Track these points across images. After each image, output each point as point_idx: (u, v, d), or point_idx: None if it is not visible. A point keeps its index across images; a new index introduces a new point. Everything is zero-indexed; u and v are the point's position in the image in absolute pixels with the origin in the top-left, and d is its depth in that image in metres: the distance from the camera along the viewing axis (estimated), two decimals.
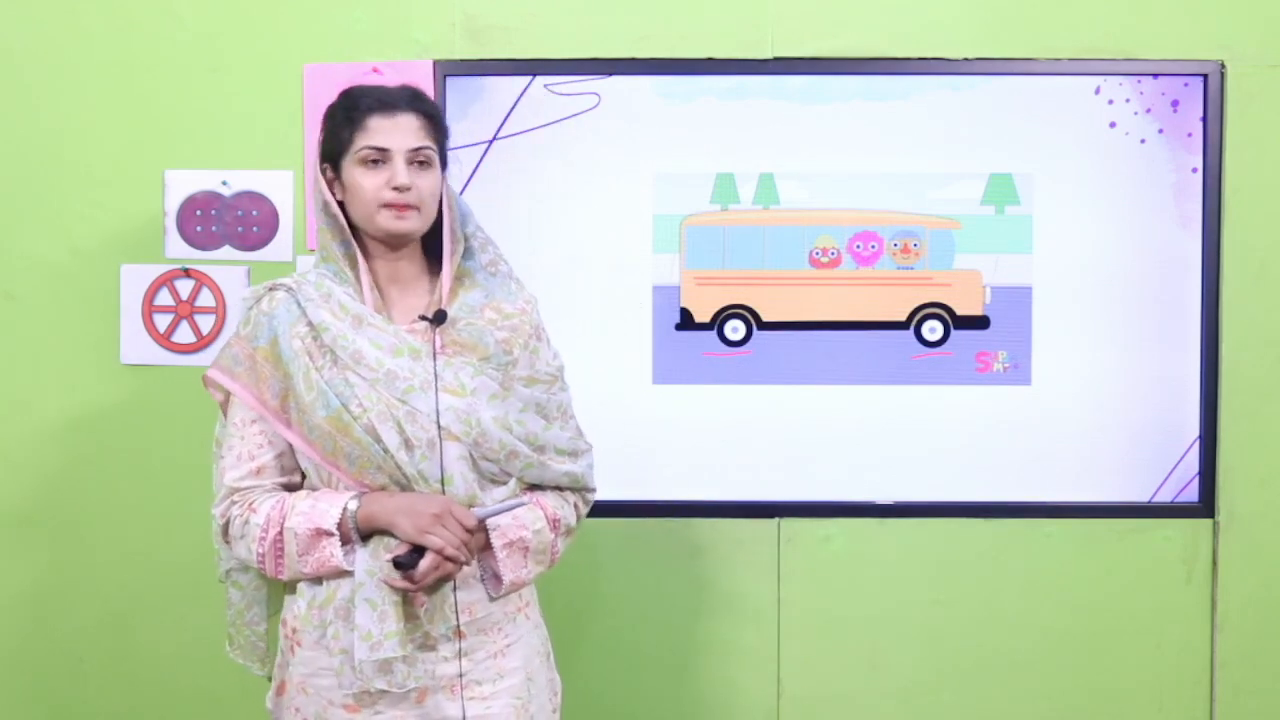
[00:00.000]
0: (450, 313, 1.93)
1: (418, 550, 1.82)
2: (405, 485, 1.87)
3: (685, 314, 2.66)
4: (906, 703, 2.70)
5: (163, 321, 2.65)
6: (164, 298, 2.65)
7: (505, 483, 1.95)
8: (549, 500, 1.99)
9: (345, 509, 1.84)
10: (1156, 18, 2.61)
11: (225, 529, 1.92)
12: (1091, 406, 2.65)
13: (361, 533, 1.85)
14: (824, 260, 2.65)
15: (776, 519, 2.68)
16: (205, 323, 2.65)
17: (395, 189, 1.88)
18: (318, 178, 1.94)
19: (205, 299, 2.65)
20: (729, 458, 2.67)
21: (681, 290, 2.66)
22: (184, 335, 2.65)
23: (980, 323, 2.65)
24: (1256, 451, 2.64)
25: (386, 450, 1.85)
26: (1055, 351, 2.65)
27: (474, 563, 1.90)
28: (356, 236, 1.95)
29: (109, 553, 2.67)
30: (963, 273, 2.65)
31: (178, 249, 2.65)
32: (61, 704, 2.69)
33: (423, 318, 1.92)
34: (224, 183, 2.65)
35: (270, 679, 2.06)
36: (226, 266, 2.65)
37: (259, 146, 2.63)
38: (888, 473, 2.67)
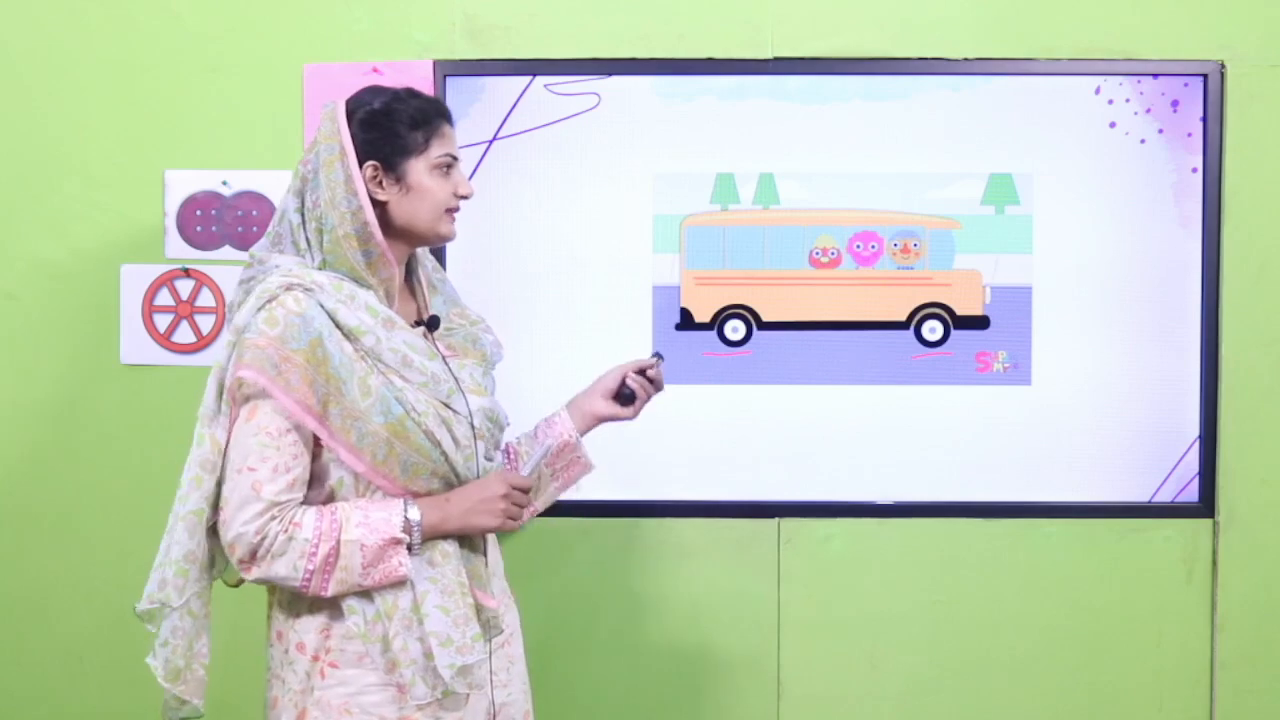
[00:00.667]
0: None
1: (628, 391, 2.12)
2: (455, 486, 1.89)
3: (685, 314, 2.66)
4: (906, 703, 2.70)
5: (163, 321, 2.65)
6: (164, 298, 2.65)
7: None
8: None
9: (407, 517, 1.82)
10: (1156, 18, 2.61)
11: (258, 547, 1.79)
12: (1091, 406, 2.65)
13: (425, 537, 1.84)
14: (824, 260, 2.65)
15: (776, 519, 2.68)
16: (205, 323, 2.65)
17: (463, 196, 1.93)
18: (351, 177, 1.84)
19: (205, 299, 2.65)
20: (729, 458, 2.66)
21: (681, 290, 2.66)
22: (184, 335, 2.65)
23: (980, 323, 2.65)
24: (1256, 451, 2.64)
25: (445, 454, 1.85)
26: (1055, 351, 2.65)
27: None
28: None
29: (109, 553, 2.67)
30: (963, 273, 2.65)
31: (178, 249, 2.65)
32: (61, 704, 2.69)
33: (418, 322, 1.95)
34: (224, 183, 2.65)
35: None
36: (226, 266, 2.65)
37: (259, 146, 2.63)
38: (888, 473, 2.67)
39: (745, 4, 2.61)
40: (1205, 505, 2.65)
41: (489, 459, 1.97)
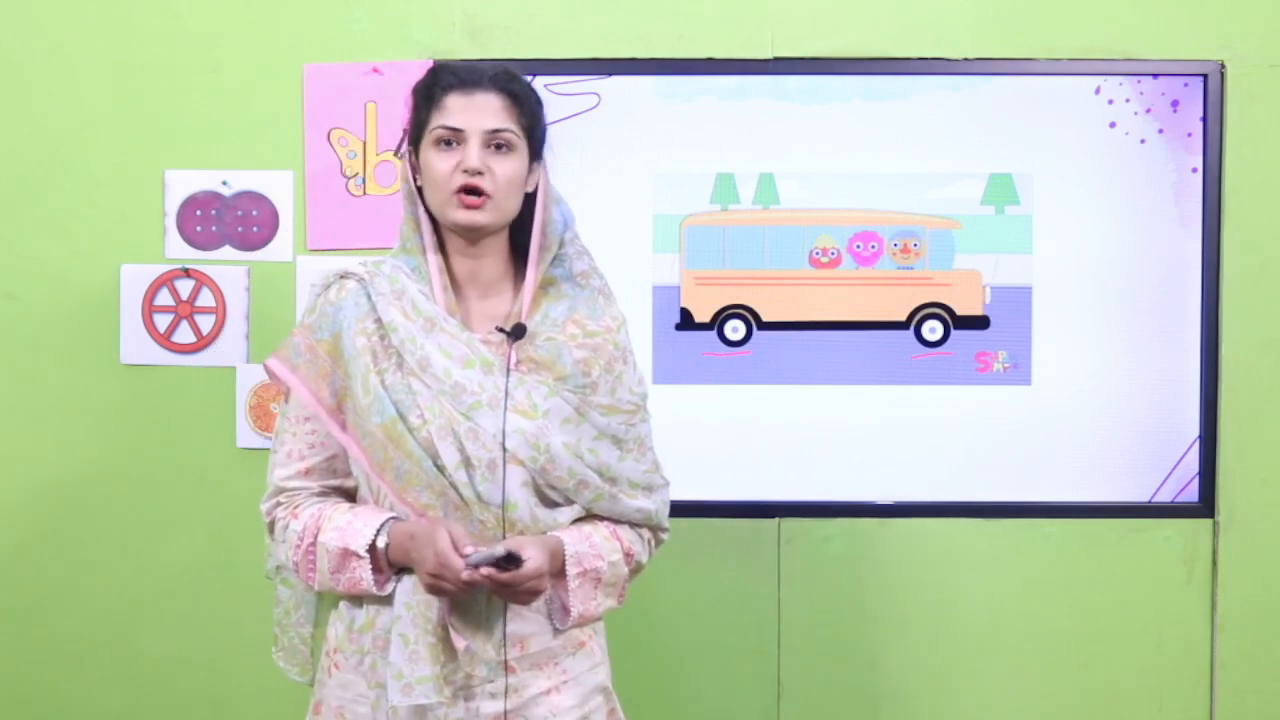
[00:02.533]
0: (530, 326, 1.77)
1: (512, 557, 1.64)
2: (459, 505, 1.72)
3: (685, 314, 2.66)
4: (906, 703, 2.69)
5: (163, 321, 2.65)
6: (164, 298, 2.65)
7: (570, 505, 1.80)
8: (625, 533, 1.85)
9: (375, 540, 1.71)
10: (1156, 18, 2.61)
11: (270, 528, 1.82)
12: (1091, 406, 2.65)
13: (395, 566, 1.73)
14: (824, 260, 2.65)
15: (776, 519, 2.68)
16: (205, 323, 2.65)
17: (466, 171, 1.72)
18: (404, 162, 1.81)
19: (205, 299, 2.65)
20: (729, 458, 2.66)
21: (681, 290, 2.66)
22: (184, 335, 2.65)
23: (980, 323, 2.65)
24: (1256, 451, 2.64)
25: (442, 468, 1.70)
26: (1055, 351, 2.65)
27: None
28: (437, 229, 1.80)
29: (109, 553, 2.67)
30: (963, 273, 2.65)
31: (178, 249, 2.65)
32: (61, 704, 2.69)
33: (500, 329, 1.77)
34: (224, 183, 2.64)
35: (311, 685, 1.92)
36: (226, 266, 2.64)
37: (259, 146, 2.63)
38: (888, 473, 2.67)
39: (745, 4, 2.61)
40: (1205, 505, 2.65)
41: (553, 488, 1.77)
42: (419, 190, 1.79)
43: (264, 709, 2.66)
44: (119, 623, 2.68)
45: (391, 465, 1.72)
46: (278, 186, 2.64)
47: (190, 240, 2.65)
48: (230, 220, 2.65)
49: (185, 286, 2.65)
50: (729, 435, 2.66)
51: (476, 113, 1.75)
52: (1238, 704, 2.67)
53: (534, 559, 1.67)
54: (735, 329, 2.66)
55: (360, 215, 2.63)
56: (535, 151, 1.82)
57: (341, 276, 1.80)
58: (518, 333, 1.76)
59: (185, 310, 2.65)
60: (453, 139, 1.75)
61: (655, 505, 1.88)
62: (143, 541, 2.67)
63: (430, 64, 2.56)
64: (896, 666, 2.69)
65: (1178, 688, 2.68)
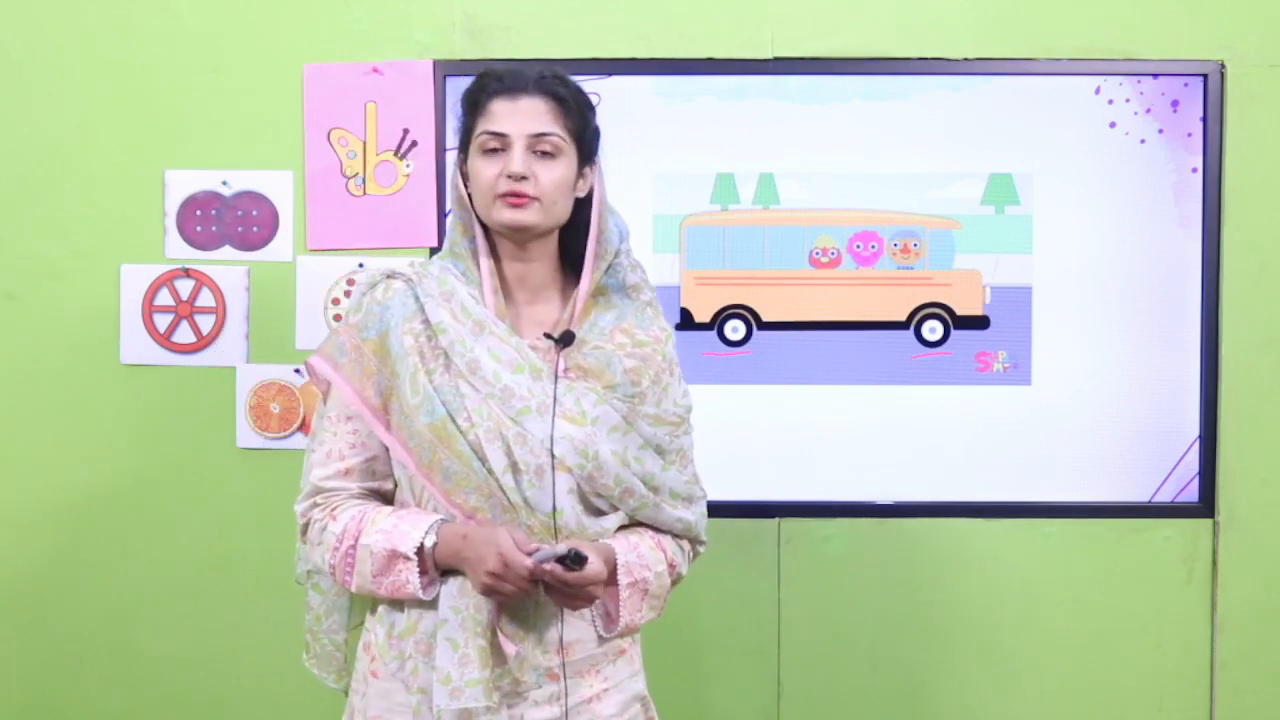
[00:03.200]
0: (579, 334, 1.77)
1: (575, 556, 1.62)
2: (507, 509, 1.70)
3: (685, 314, 2.66)
4: (906, 703, 2.69)
5: (163, 321, 2.65)
6: (164, 298, 2.65)
7: (615, 511, 1.79)
8: (669, 544, 1.83)
9: (423, 542, 1.68)
10: (1156, 18, 2.61)
11: (305, 529, 1.79)
12: (1091, 406, 2.65)
13: (441, 568, 1.70)
14: (824, 260, 2.65)
15: (776, 519, 2.68)
16: (205, 323, 2.65)
17: (509, 177, 1.72)
18: (455, 169, 1.81)
19: (205, 299, 2.65)
20: (729, 458, 2.66)
21: (681, 290, 2.66)
22: (184, 335, 2.65)
23: (980, 323, 2.65)
24: (1256, 451, 2.64)
25: (490, 471, 1.69)
26: (1055, 351, 2.65)
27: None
28: (488, 235, 1.80)
29: (109, 553, 2.67)
30: (963, 273, 2.65)
31: (178, 249, 2.65)
32: (61, 704, 2.69)
33: (548, 336, 1.76)
34: (224, 183, 2.65)
35: (345, 693, 1.88)
36: (226, 266, 2.65)
37: (259, 146, 2.63)
38: (888, 473, 2.67)
39: (745, 4, 2.61)
40: (1205, 505, 2.65)
41: (599, 495, 1.76)
42: (469, 197, 1.79)
43: (264, 709, 2.66)
44: (119, 623, 2.68)
45: (440, 466, 1.71)
46: (278, 186, 2.64)
47: (190, 240, 2.65)
48: (230, 220, 2.65)
49: (185, 286, 2.65)
50: (729, 435, 2.66)
51: (521, 117, 1.74)
52: (1238, 704, 2.67)
53: (595, 562, 1.66)
54: (735, 329, 2.66)
55: (360, 215, 2.63)
56: (585, 155, 1.81)
57: (388, 276, 1.79)
58: (566, 340, 1.75)
59: (185, 310, 2.65)
60: (498, 144, 1.74)
61: (695, 517, 1.87)
62: (143, 541, 2.67)
63: (430, 64, 2.60)
64: (896, 666, 2.69)
65: (1178, 688, 2.68)
